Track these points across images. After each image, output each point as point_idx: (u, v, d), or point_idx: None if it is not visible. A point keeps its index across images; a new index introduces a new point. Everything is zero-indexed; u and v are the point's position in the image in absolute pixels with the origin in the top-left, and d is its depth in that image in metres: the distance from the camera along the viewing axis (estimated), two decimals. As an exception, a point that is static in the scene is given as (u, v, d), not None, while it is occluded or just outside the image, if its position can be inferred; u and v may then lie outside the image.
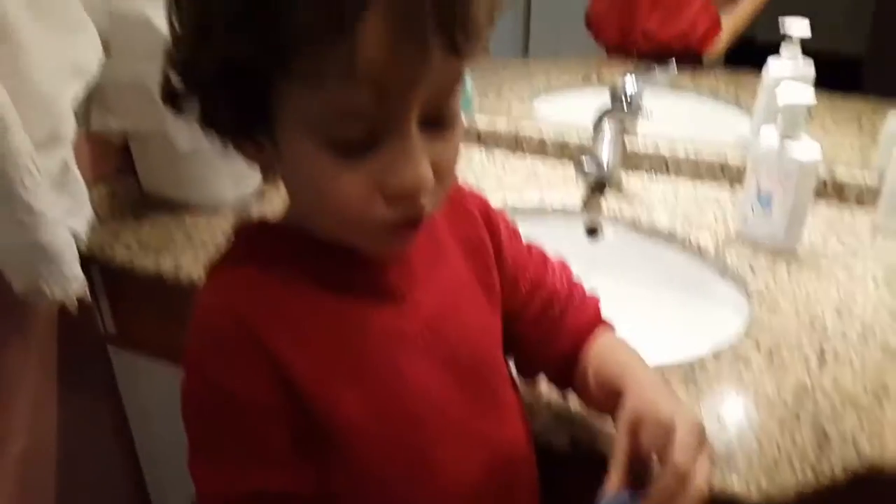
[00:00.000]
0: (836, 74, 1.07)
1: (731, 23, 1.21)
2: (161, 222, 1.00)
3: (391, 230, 0.49)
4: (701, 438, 0.50)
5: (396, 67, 0.42)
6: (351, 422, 0.53)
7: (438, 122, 0.47)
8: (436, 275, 0.59)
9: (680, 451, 0.49)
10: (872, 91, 1.17)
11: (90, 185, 0.96)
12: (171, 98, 0.49)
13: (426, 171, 0.46)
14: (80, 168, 0.88)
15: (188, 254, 0.92)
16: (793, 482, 0.60)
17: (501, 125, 1.22)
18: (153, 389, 1.01)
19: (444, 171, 0.48)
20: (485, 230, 0.64)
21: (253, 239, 0.56)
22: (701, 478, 0.49)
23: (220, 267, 0.55)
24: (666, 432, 0.49)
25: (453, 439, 0.57)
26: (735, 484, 0.60)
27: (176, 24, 0.46)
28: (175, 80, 0.48)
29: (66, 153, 0.85)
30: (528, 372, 0.69)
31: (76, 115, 0.85)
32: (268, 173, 0.54)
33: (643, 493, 0.49)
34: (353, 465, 0.54)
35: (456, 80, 0.47)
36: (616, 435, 0.53)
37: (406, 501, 0.55)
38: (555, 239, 0.77)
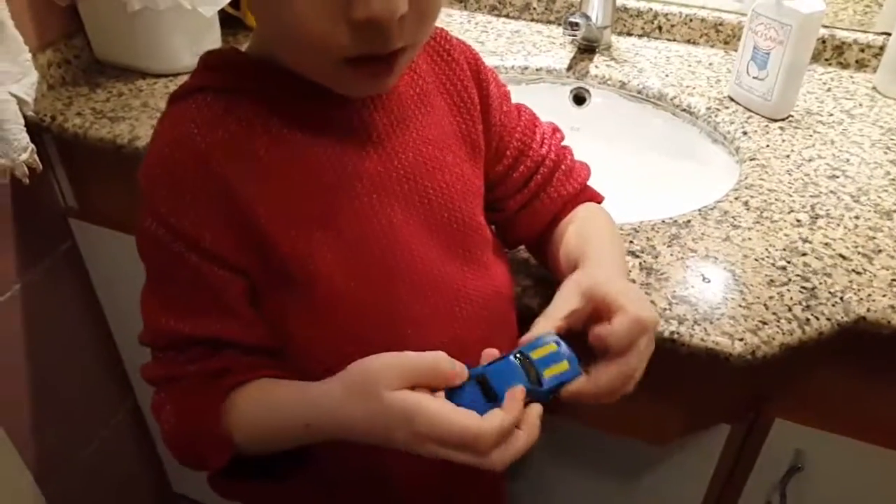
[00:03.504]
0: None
1: None
2: (116, 89, 0.93)
3: (355, 68, 0.44)
4: (653, 338, 0.49)
5: None
6: (323, 267, 0.50)
7: None
8: (418, 124, 0.54)
9: (636, 354, 0.47)
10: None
11: (36, 50, 0.89)
12: None
13: None
14: (22, 33, 0.81)
15: (145, 122, 0.85)
16: (778, 336, 0.58)
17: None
18: (118, 259, 0.97)
19: (424, 6, 0.43)
20: (473, 84, 0.58)
21: (219, 69, 0.50)
22: (638, 376, 0.48)
23: (181, 97, 0.50)
24: (641, 330, 0.47)
25: (428, 292, 0.54)
26: (720, 339, 0.58)
27: None
28: None
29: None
30: (509, 242, 0.66)
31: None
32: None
33: (583, 368, 0.48)
34: (326, 314, 0.51)
35: None
36: (566, 291, 0.50)
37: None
38: (540, 103, 0.71)
